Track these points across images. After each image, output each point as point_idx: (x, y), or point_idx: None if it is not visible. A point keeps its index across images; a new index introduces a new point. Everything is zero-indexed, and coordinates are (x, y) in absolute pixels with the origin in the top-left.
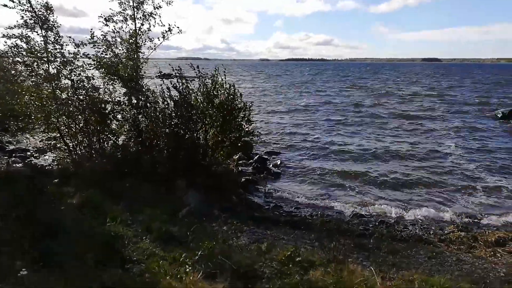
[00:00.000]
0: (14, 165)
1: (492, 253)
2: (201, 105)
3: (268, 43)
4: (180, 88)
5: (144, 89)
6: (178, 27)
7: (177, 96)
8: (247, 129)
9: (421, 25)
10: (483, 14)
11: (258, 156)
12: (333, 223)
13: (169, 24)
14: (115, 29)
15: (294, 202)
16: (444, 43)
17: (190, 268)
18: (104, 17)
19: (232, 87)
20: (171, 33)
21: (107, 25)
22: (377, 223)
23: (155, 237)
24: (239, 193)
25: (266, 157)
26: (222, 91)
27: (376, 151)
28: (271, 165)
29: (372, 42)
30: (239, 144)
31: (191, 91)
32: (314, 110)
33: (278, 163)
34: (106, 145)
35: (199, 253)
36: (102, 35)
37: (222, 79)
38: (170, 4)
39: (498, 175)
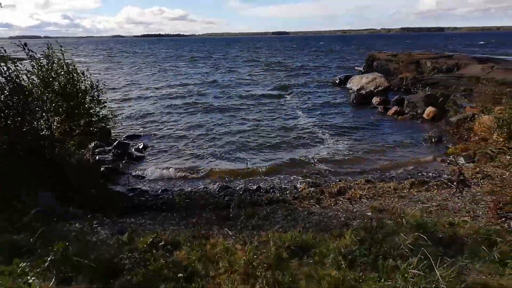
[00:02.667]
0: None
1: (335, 202)
2: (38, 90)
3: (119, 18)
4: (7, 72)
5: None
6: None
7: (3, 83)
8: (99, 113)
9: (270, 1)
10: None
11: (117, 141)
12: (200, 199)
13: None
14: None
15: (160, 185)
16: (290, 18)
17: (34, 278)
18: None
19: (71, 66)
20: None
21: None
22: (241, 192)
23: None
24: (99, 184)
25: (127, 141)
26: (62, 72)
27: (241, 119)
28: (133, 150)
29: (226, 17)
30: (93, 131)
31: (22, 75)
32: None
33: (141, 146)
34: None
35: (49, 259)
36: None
37: (60, 58)
38: None
39: (337, 136)
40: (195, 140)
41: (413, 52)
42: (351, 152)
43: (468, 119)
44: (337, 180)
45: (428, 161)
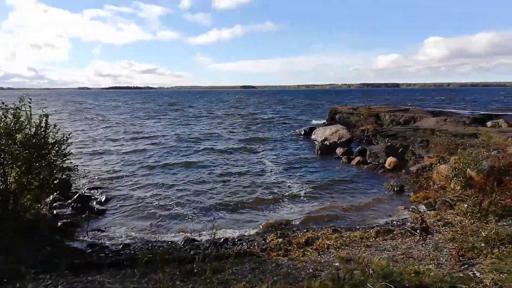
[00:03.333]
0: None
1: (303, 253)
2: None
3: (87, 71)
4: None
5: None
6: None
7: None
8: (62, 165)
9: (237, 56)
10: (284, 48)
11: (78, 194)
12: (163, 253)
13: None
14: None
15: (122, 240)
16: (257, 72)
17: None
18: None
19: (43, 118)
20: None
21: None
22: (208, 245)
23: None
24: (56, 240)
25: (88, 194)
26: (27, 124)
27: (206, 174)
28: (95, 203)
29: (195, 71)
30: (53, 183)
31: None
32: (142, 140)
33: (103, 199)
34: None
35: None
36: None
37: (26, 110)
38: None
39: (303, 186)
40: (160, 194)
41: (373, 106)
42: (317, 202)
43: (427, 168)
44: (305, 230)
45: (392, 209)
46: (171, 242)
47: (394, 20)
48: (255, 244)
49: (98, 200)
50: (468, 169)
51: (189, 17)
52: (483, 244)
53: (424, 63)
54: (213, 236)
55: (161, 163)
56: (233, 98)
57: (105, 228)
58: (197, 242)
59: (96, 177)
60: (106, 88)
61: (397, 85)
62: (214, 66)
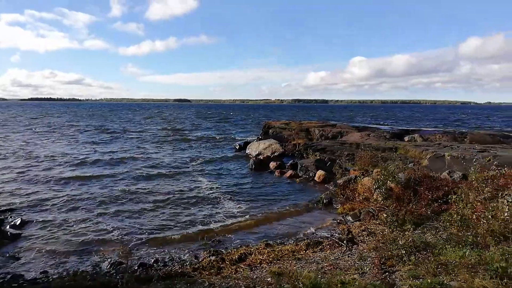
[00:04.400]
0: None
1: (235, 270)
2: None
3: (3, 80)
4: None
5: None
6: None
7: None
8: None
9: (172, 69)
10: (219, 62)
11: None
12: (85, 279)
13: None
14: None
15: (39, 266)
16: (192, 85)
17: None
18: None
19: None
20: None
21: None
22: (136, 267)
23: None
24: None
25: (0, 217)
26: None
27: (134, 193)
28: (8, 227)
29: (126, 83)
30: None
31: None
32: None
33: (18, 222)
34: None
35: None
36: None
37: None
38: None
39: (237, 201)
40: (85, 216)
41: (303, 121)
42: (250, 216)
43: (352, 181)
44: (238, 246)
45: (321, 221)
46: (95, 266)
47: (324, 37)
48: (187, 263)
49: (12, 223)
50: (388, 181)
51: (119, 27)
52: (402, 252)
53: (349, 81)
54: (141, 257)
55: (88, 180)
56: (166, 112)
57: (20, 254)
58: (124, 265)
59: (10, 196)
60: (24, 100)
61: (326, 101)
62: (148, 78)
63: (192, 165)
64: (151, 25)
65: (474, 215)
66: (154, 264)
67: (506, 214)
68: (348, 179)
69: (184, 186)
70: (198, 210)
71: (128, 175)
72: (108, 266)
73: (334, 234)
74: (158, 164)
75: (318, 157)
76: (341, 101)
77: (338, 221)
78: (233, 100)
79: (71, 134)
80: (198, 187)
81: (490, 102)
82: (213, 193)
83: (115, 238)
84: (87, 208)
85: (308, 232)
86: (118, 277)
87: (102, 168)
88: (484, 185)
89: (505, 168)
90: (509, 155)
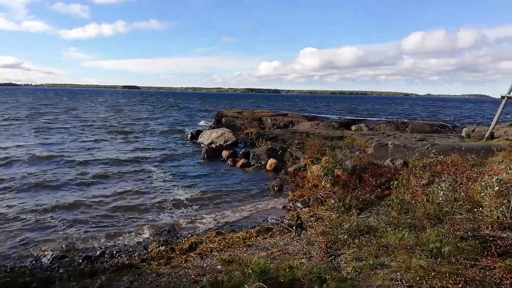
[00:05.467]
0: None
1: (185, 259)
2: None
3: None
4: None
5: None
6: None
7: None
8: None
9: (120, 54)
10: (171, 49)
11: None
12: (23, 275)
13: None
14: None
15: None
16: (142, 72)
17: None
18: None
19: None
20: None
21: None
22: (81, 261)
23: None
24: None
25: None
26: None
27: (82, 184)
28: None
29: (70, 68)
30: None
31: None
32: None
33: None
34: None
35: None
36: None
37: None
38: None
39: (189, 190)
40: (26, 208)
41: (256, 110)
42: (202, 205)
43: (302, 168)
44: (189, 235)
45: (272, 208)
46: (36, 261)
47: (276, 28)
48: (135, 254)
49: None
50: (335, 169)
51: (61, 8)
52: (346, 236)
53: (300, 71)
54: (87, 250)
55: (29, 173)
56: (115, 100)
57: None
58: (67, 258)
59: None
60: None
61: (278, 91)
62: (94, 63)
63: (141, 155)
64: (97, 7)
65: (413, 200)
66: (101, 257)
67: (440, 198)
68: (298, 167)
69: (133, 177)
70: (148, 201)
71: (71, 168)
72: (50, 261)
73: (284, 220)
74: (105, 155)
75: (270, 146)
76: (293, 91)
77: (288, 207)
78: (185, 88)
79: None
80: (148, 177)
81: (429, 94)
82: (163, 183)
83: (59, 231)
84: (27, 200)
85: (259, 219)
86: (60, 271)
87: (42, 159)
88: (422, 172)
89: (441, 156)
90: (445, 144)
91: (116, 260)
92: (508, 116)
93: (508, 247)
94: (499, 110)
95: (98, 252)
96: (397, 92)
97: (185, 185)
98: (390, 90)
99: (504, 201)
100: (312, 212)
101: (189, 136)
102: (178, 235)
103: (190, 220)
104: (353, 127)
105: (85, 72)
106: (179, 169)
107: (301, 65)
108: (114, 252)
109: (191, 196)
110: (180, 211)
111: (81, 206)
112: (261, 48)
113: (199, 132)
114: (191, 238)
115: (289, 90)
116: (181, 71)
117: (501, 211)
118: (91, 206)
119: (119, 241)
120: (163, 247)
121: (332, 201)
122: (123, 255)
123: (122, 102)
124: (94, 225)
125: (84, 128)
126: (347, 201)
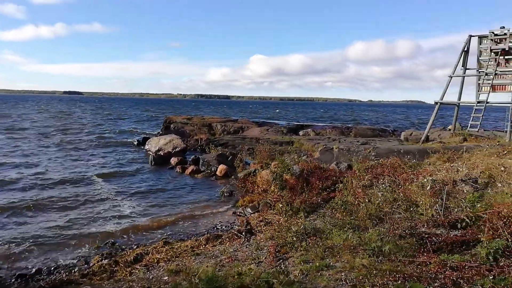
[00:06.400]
0: None
1: (130, 271)
2: None
3: None
4: None
5: None
6: None
7: None
8: None
9: (61, 58)
10: (116, 53)
11: None
12: None
13: None
14: None
15: None
16: (85, 77)
17: None
18: None
19: None
20: None
21: None
22: (14, 280)
23: None
24: None
25: None
26: None
27: (11, 197)
28: None
29: (5, 72)
30: None
31: None
32: None
33: None
34: None
35: None
36: None
37: None
38: None
39: (135, 200)
40: None
41: (206, 116)
42: (150, 215)
43: (252, 174)
44: (135, 247)
45: (222, 215)
46: None
47: (225, 34)
48: (76, 270)
49: None
50: (284, 173)
51: None
52: (294, 239)
53: (250, 78)
54: (21, 268)
55: None
56: (54, 104)
57: None
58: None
59: None
60: None
61: (228, 97)
62: (32, 67)
63: (83, 164)
64: (35, 8)
65: (356, 201)
66: (36, 274)
67: (380, 199)
68: (248, 172)
69: (75, 186)
70: (91, 212)
71: (8, 182)
72: None
73: (234, 226)
74: (45, 166)
75: (220, 152)
76: (243, 97)
77: (238, 213)
78: (132, 93)
79: None
80: (91, 186)
81: (371, 100)
82: (107, 193)
83: None
84: None
85: (209, 226)
86: None
87: None
88: (364, 174)
89: (382, 159)
90: (386, 147)
91: (54, 277)
92: (442, 119)
93: (441, 243)
94: (433, 115)
95: (34, 270)
96: (342, 99)
97: (130, 195)
98: (335, 96)
99: (438, 200)
100: (261, 217)
101: (135, 143)
102: (123, 247)
103: (135, 231)
104: (301, 132)
105: (22, 77)
106: (124, 178)
107: (251, 72)
108: (52, 268)
109: (137, 206)
110: (125, 222)
111: (16, 221)
112: (211, 54)
113: (146, 139)
114: (137, 249)
115: (239, 96)
116: (128, 76)
117: (435, 209)
118: (26, 222)
119: (58, 257)
120: (106, 260)
121: (280, 205)
122: (62, 271)
123: (61, 108)
124: (30, 240)
125: (15, 137)
126: (295, 204)
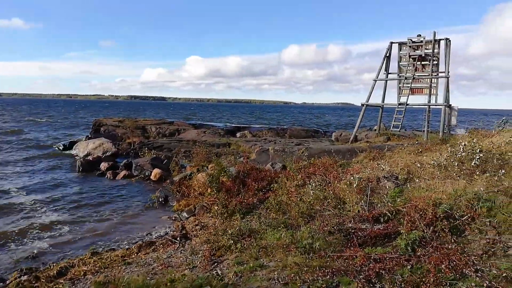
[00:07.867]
0: None
1: (53, 287)
2: None
3: None
4: None
5: None
6: None
7: None
8: None
9: None
10: (39, 51)
11: None
12: None
13: None
14: None
15: None
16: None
17: None
18: None
19: None
20: None
21: None
22: None
23: None
24: None
25: None
26: None
27: None
28: None
29: None
30: None
31: None
32: None
33: None
34: None
35: None
36: None
37: None
38: None
39: (60, 210)
40: None
41: (139, 118)
42: (77, 225)
43: (188, 177)
44: (59, 260)
45: (156, 221)
46: None
47: (160, 34)
48: None
49: None
50: (220, 176)
51: None
52: (231, 241)
53: (187, 79)
54: None
55: None
56: None
57: None
58: None
59: None
60: None
61: (164, 98)
62: None
63: (1, 173)
64: None
65: (289, 200)
66: None
67: (311, 197)
68: (184, 175)
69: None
70: (9, 225)
71: None
72: None
73: (169, 232)
74: None
75: (155, 155)
76: (179, 98)
77: (173, 218)
78: (58, 94)
79: None
80: (9, 199)
81: (305, 103)
82: (29, 203)
83: None
84: None
85: (142, 233)
86: None
87: None
88: (297, 174)
89: (314, 158)
90: (318, 147)
91: None
92: (369, 121)
93: (366, 237)
94: (360, 116)
95: None
96: (278, 101)
97: (55, 204)
98: (271, 98)
99: (363, 196)
100: (197, 221)
101: (61, 148)
102: (46, 260)
103: (60, 243)
104: (238, 134)
105: None
106: (48, 187)
107: (188, 73)
108: None
109: (62, 216)
110: (49, 234)
111: None
112: (145, 54)
113: (73, 143)
114: (61, 262)
115: (175, 98)
116: (53, 76)
117: (361, 205)
118: None
119: None
120: (26, 276)
121: (216, 207)
122: None
123: None
124: None
125: None
126: (230, 206)
